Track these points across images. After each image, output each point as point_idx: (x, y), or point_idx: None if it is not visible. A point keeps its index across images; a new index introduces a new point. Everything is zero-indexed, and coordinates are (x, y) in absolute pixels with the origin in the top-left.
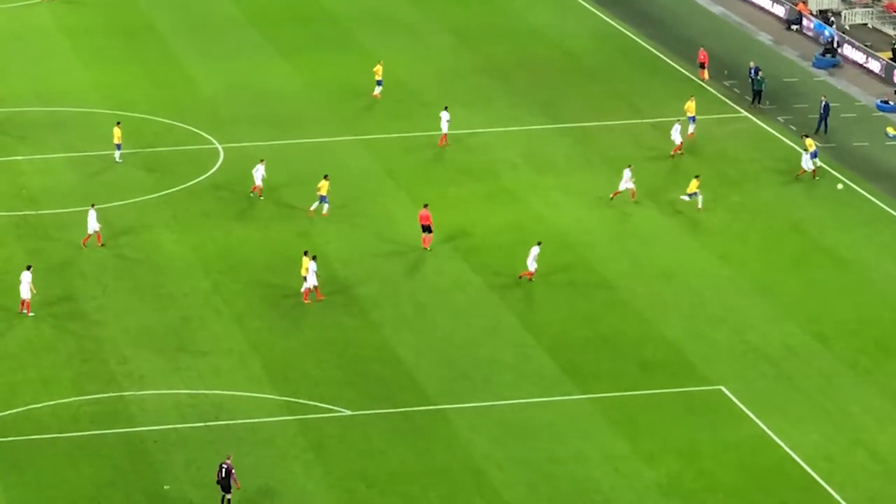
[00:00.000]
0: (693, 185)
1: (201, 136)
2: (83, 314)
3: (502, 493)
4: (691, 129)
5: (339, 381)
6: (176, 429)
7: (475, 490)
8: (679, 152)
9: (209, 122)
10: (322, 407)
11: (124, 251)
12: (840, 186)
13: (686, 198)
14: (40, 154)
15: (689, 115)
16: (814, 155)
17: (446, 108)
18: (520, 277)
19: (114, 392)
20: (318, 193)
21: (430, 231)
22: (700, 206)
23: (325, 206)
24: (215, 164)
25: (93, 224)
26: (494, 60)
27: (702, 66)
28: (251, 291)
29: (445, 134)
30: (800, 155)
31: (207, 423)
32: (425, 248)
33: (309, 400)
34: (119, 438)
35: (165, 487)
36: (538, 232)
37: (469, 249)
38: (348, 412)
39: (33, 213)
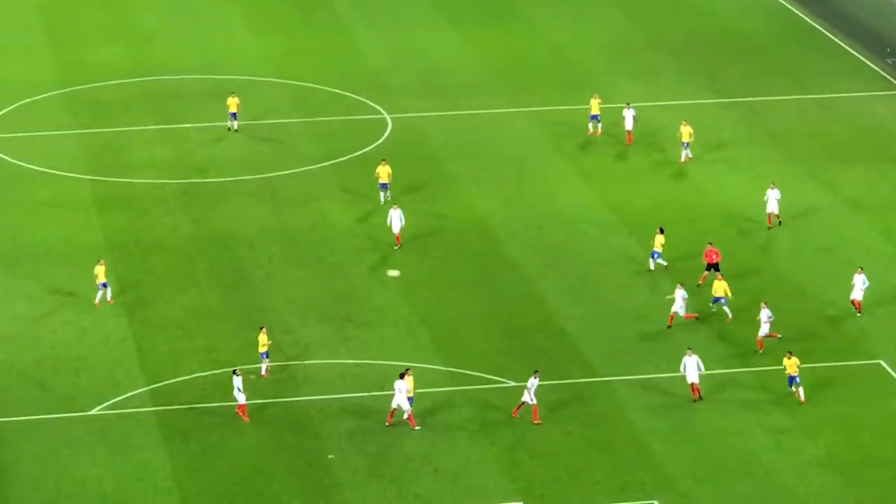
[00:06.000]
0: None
1: (369, 105)
2: (250, 283)
3: (664, 465)
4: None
5: (504, 353)
6: (340, 398)
7: (637, 461)
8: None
9: (377, 91)
10: (487, 378)
11: (290, 221)
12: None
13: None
14: (207, 122)
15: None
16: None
17: (629, 105)
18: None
19: (279, 361)
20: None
21: (717, 269)
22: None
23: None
24: (383, 134)
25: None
26: (662, 36)
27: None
28: (420, 262)
29: (630, 131)
30: None
31: (372, 393)
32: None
33: (474, 371)
34: (283, 407)
35: (330, 457)
36: (700, 207)
37: (634, 224)
38: (513, 383)
39: (201, 181)
